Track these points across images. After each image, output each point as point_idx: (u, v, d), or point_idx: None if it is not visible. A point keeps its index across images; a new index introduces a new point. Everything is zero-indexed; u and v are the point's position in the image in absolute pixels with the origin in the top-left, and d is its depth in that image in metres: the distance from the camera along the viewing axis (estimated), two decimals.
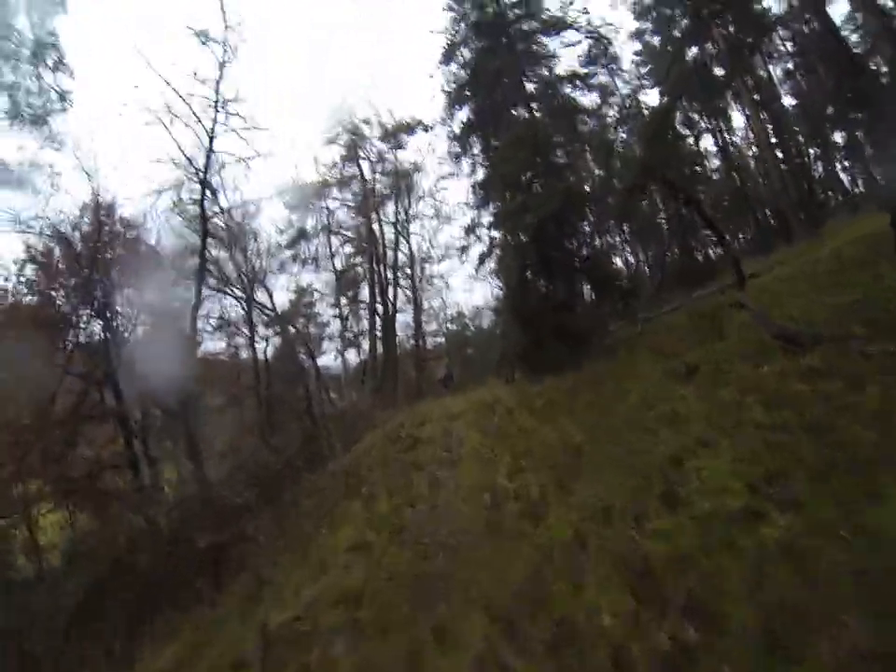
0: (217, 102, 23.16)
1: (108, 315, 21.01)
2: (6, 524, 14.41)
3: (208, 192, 23.59)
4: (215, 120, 23.46)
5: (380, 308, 36.94)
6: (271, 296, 32.93)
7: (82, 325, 20.90)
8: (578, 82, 29.55)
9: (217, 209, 24.69)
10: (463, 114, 28.09)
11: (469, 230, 34.47)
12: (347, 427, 22.44)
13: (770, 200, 29.50)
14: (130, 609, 9.68)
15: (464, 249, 34.33)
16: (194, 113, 22.85)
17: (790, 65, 30.98)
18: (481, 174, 30.01)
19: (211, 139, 23.31)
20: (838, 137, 30.39)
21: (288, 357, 34.50)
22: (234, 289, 31.33)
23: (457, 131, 28.18)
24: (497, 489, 8.03)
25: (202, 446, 22.48)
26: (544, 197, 17.63)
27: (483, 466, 8.95)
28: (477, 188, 30.27)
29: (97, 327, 20.99)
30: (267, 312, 33.31)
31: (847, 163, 33.37)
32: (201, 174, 22.79)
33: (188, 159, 22.54)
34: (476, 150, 28.02)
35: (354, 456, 13.81)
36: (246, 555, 10.43)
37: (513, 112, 25.06)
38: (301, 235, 34.70)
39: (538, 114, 24.85)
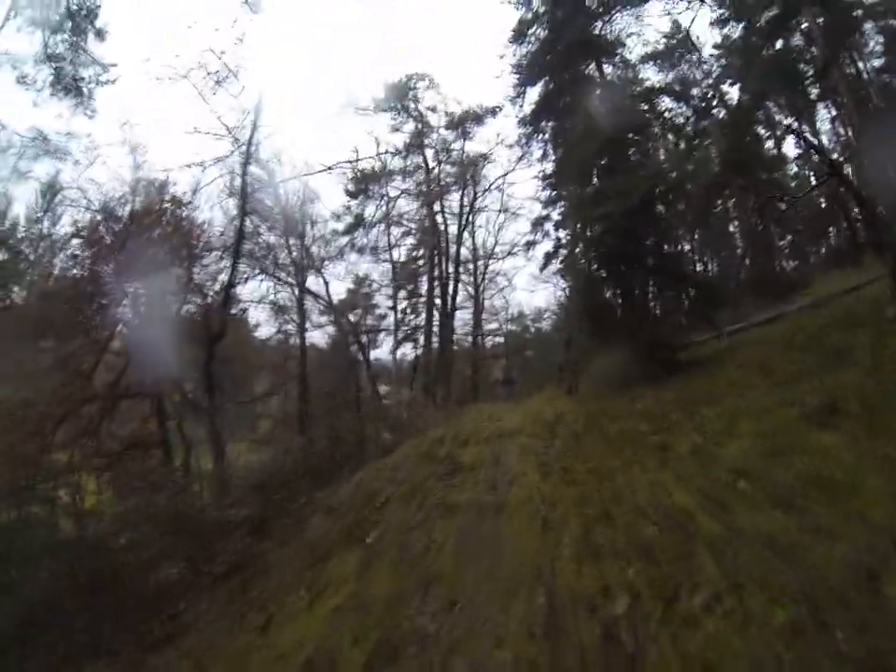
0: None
1: (150, 294, 19.54)
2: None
3: (253, 167, 21.73)
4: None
5: (438, 303, 34.63)
6: (326, 284, 30.99)
7: (125, 303, 19.51)
8: (658, 62, 26.27)
9: (260, 185, 22.72)
10: (534, 93, 25.13)
11: (537, 224, 31.53)
12: (389, 428, 20.02)
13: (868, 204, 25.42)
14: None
15: (530, 245, 31.37)
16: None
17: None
18: (551, 163, 27.17)
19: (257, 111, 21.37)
20: None
21: (341, 347, 32.53)
22: (285, 275, 29.67)
23: (528, 111, 25.13)
24: (557, 589, 4.99)
25: (226, 438, 20.68)
26: (627, 183, 14.59)
27: (538, 530, 6.16)
28: (546, 179, 27.39)
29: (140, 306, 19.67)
30: (321, 300, 31.45)
31: None
32: (244, 146, 20.84)
33: (228, 130, 20.61)
34: (547, 135, 25.05)
35: (376, 473, 11.21)
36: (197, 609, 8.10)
37: (589, 88, 22.10)
38: (359, 222, 32.49)
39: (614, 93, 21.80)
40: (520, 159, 28.46)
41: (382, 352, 35.49)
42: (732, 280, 27.97)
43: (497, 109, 28.56)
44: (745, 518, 5.29)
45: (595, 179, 15.49)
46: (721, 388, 10.20)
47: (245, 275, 26.37)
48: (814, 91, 27.95)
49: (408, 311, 38.89)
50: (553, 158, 25.69)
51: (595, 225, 14.02)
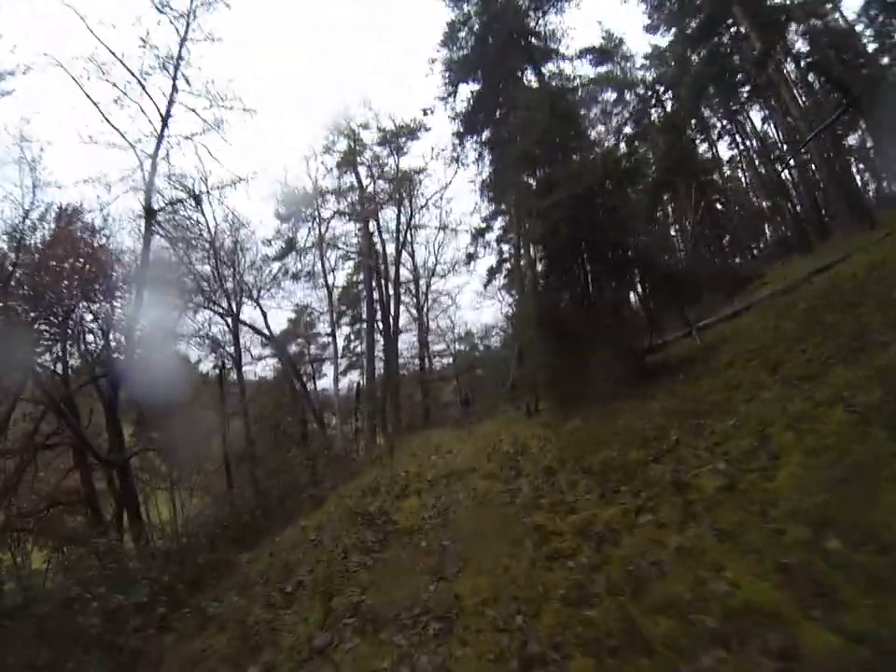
0: (173, 77, 18.33)
1: (69, 331, 16.36)
2: None
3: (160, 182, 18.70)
4: (171, 101, 18.55)
5: (381, 326, 31.79)
6: (264, 314, 27.82)
7: (42, 343, 16.23)
8: (593, 57, 24.65)
9: (173, 206, 19.64)
10: (467, 91, 23.08)
11: (477, 235, 29.37)
12: (328, 467, 17.00)
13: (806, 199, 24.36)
14: None
15: (470, 258, 29.20)
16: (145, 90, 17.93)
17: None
18: (488, 167, 25.08)
19: (165, 120, 18.33)
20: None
21: (283, 380, 29.20)
22: (218, 306, 26.43)
23: (460, 109, 23.00)
24: None
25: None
26: (577, 168, 12.36)
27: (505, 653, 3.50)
28: (485, 184, 25.25)
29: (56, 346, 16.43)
30: (257, 331, 28.16)
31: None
32: (148, 159, 17.76)
33: (129, 143, 17.49)
34: (483, 135, 22.97)
35: (299, 535, 8.28)
36: None
37: (524, 82, 20.19)
38: (291, 246, 29.53)
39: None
40: (455, 160, 26.05)
41: (328, 381, 32.45)
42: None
43: (429, 112, 26.21)
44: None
45: (544, 167, 13.19)
46: (722, 392, 7.77)
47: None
48: (745, 92, 27.09)
49: (352, 337, 35.95)
50: (490, 159, 23.68)
51: (545, 217, 11.64)
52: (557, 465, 7.39)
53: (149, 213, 18.01)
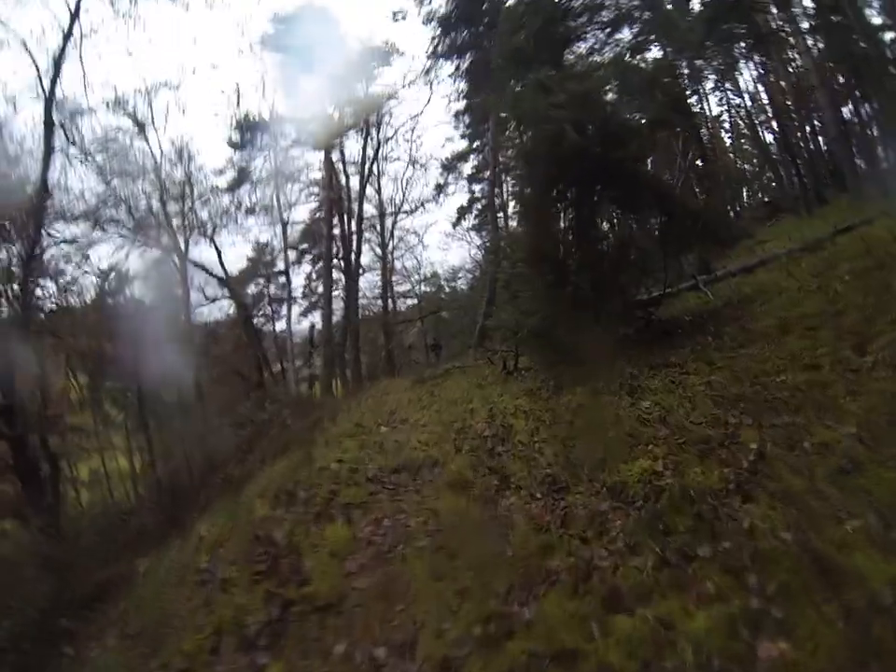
0: None
1: None
2: None
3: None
4: None
5: (342, 265, 28.42)
6: (219, 253, 24.17)
7: None
8: None
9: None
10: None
11: (449, 166, 25.98)
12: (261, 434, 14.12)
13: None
14: None
15: (441, 189, 25.80)
16: None
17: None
18: (465, 82, 21.56)
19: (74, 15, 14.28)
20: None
21: (239, 323, 25.82)
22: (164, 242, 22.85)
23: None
24: None
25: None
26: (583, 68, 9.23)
27: None
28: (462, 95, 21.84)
29: None
30: (209, 271, 24.51)
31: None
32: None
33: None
34: (461, 39, 19.31)
35: (174, 566, 5.49)
36: None
37: None
38: (244, 176, 25.56)
39: None
40: (427, 72, 22.28)
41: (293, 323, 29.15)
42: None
43: (400, 16, 22.19)
44: None
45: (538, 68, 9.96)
46: (799, 374, 5.09)
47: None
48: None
49: (313, 276, 32.28)
50: (468, 71, 20.14)
51: (546, 120, 8.55)
52: (565, 475, 4.66)
53: (49, 126, 14.22)
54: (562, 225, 8.58)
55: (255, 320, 29.35)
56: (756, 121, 25.37)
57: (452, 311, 31.68)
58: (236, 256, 26.94)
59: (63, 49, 14.39)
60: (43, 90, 14.08)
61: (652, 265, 9.25)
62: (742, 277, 10.90)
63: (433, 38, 20.41)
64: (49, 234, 15.42)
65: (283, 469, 6.92)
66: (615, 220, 8.99)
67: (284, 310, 31.12)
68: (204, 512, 7.73)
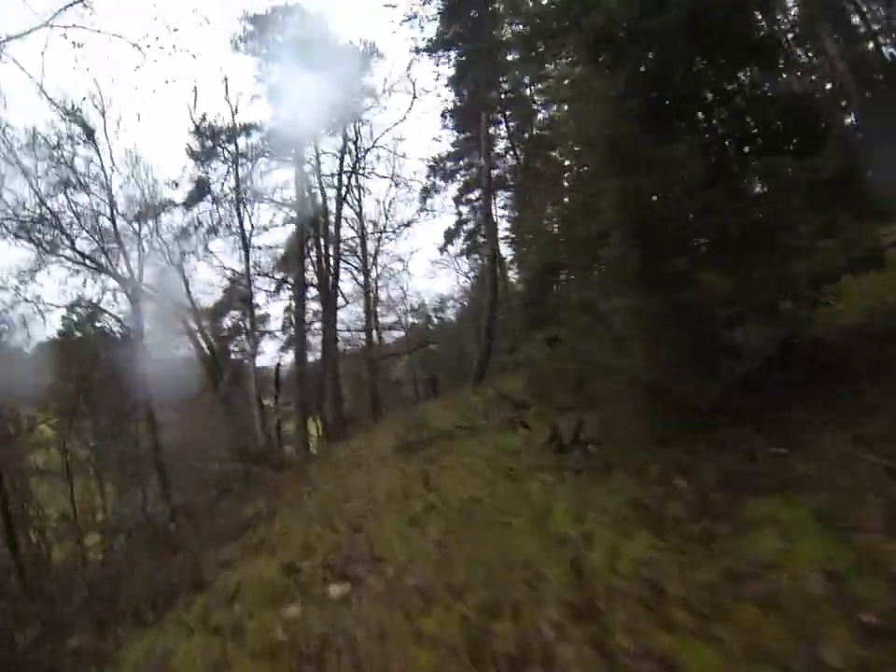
0: None
1: None
2: None
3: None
4: None
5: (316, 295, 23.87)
6: (186, 282, 19.70)
7: None
8: None
9: None
10: None
11: (436, 167, 21.86)
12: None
13: None
14: None
15: (427, 193, 21.59)
16: None
17: None
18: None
19: None
20: None
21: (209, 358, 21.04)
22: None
23: None
24: None
25: None
26: None
27: None
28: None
29: None
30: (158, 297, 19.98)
31: None
32: None
33: None
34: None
35: None
36: None
37: None
38: (203, 190, 21.09)
39: None
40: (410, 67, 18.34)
41: (269, 359, 24.52)
42: None
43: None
44: None
45: None
46: None
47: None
48: None
49: (292, 307, 27.71)
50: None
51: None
52: None
53: None
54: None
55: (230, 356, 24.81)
56: None
57: (442, 343, 27.29)
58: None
59: None
60: None
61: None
62: None
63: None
64: None
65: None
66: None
67: (263, 345, 26.65)
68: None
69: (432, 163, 21.01)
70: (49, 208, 16.66)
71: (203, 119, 20.03)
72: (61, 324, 20.78)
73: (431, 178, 21.43)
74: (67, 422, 19.46)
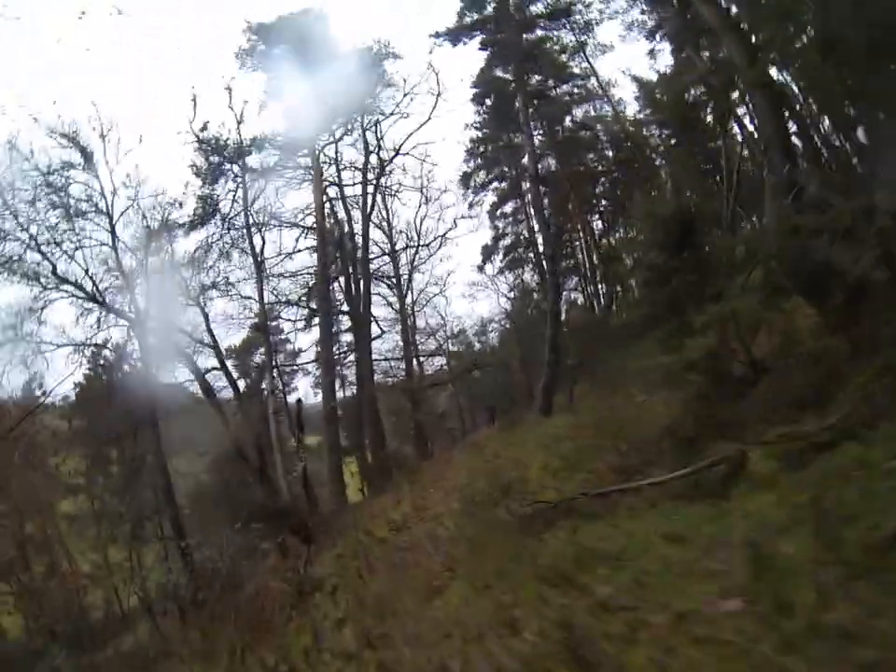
0: None
1: None
2: None
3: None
4: None
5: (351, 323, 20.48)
6: (206, 317, 16.54)
7: None
8: None
9: None
10: None
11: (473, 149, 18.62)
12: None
13: None
14: None
15: (467, 179, 18.28)
16: None
17: None
18: None
19: None
20: None
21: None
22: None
23: None
24: None
25: None
26: None
27: None
28: None
29: None
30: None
31: None
32: None
33: None
34: None
35: None
36: None
37: None
38: (209, 210, 17.98)
39: None
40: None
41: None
42: None
43: None
44: None
45: None
46: None
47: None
48: None
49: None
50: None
51: None
52: None
53: None
54: None
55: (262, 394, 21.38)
56: None
57: (487, 369, 23.42)
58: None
59: None
60: None
61: None
62: None
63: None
64: None
65: None
66: None
67: (296, 381, 23.32)
68: None
69: (470, 146, 17.73)
70: (32, 235, 13.84)
71: (204, 128, 17.11)
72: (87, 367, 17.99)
73: (470, 162, 18.20)
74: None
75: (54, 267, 14.08)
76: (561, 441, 7.24)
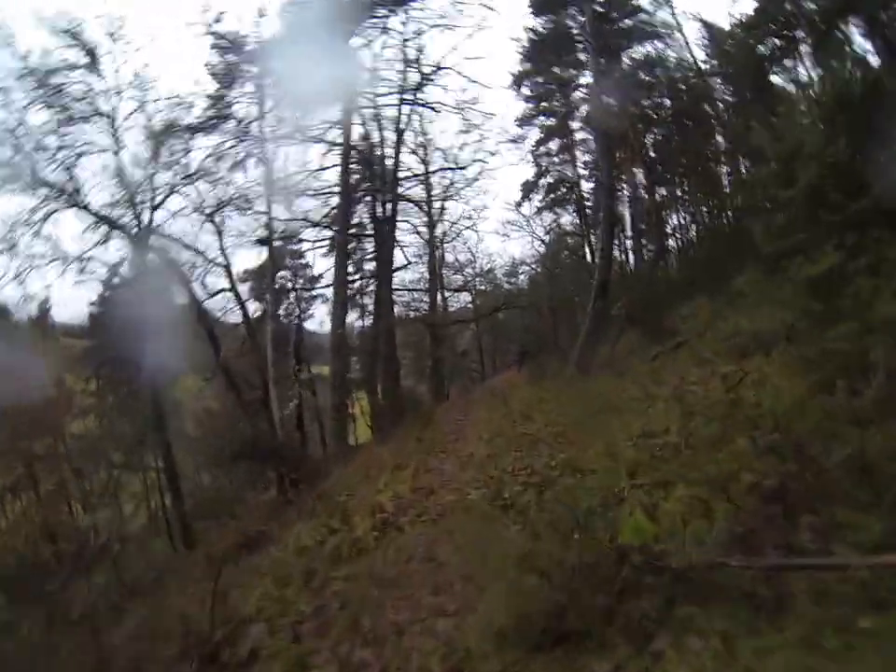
0: None
1: None
2: None
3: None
4: None
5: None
6: (220, 233, 14.41)
7: None
8: None
9: None
10: None
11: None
12: None
13: None
14: None
15: (518, 83, 15.49)
16: None
17: None
18: None
19: None
20: None
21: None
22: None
23: None
24: None
25: None
26: None
27: None
28: None
29: None
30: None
31: None
32: None
33: None
34: None
35: None
36: None
37: None
38: (222, 112, 15.43)
39: None
40: None
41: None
42: None
43: None
44: None
45: None
46: None
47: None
48: None
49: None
50: None
51: None
52: None
53: None
54: None
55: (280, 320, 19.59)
56: None
57: (516, 311, 21.15)
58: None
59: None
60: None
61: None
62: None
63: None
64: None
65: None
66: None
67: (313, 308, 21.24)
68: None
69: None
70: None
71: (219, 20, 14.40)
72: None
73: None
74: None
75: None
76: (624, 416, 5.10)
